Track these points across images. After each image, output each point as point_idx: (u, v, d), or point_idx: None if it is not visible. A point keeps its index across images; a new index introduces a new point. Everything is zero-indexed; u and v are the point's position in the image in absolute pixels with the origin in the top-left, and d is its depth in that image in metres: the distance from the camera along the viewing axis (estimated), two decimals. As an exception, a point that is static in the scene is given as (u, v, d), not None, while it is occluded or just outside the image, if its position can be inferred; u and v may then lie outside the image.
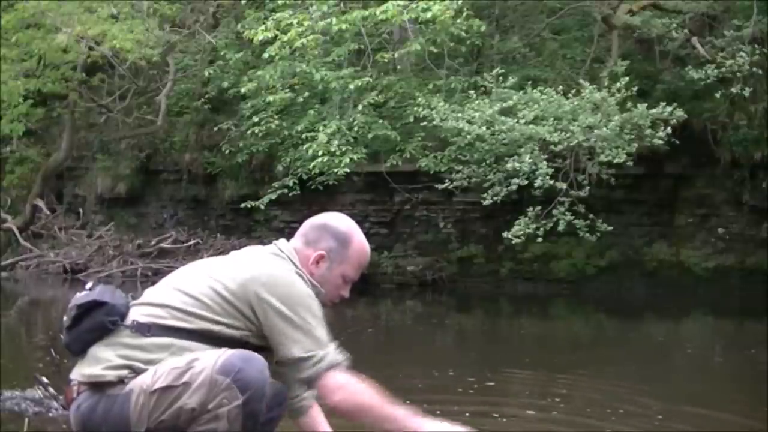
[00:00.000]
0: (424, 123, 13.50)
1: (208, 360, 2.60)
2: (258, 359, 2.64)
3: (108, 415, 2.65)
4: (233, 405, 2.55)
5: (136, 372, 2.66)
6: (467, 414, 5.65)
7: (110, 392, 2.66)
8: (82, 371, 2.73)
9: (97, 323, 2.73)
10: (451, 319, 12.83)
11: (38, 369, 6.19)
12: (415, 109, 13.64)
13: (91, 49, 15.97)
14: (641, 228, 15.58)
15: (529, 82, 13.46)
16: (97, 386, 2.67)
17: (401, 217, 16.41)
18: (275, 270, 2.75)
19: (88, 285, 2.86)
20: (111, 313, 2.73)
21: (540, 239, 12.78)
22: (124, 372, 2.66)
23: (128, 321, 2.72)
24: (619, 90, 12.64)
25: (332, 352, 2.75)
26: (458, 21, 13.38)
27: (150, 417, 2.62)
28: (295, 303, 2.72)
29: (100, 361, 2.69)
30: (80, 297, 2.80)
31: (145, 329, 2.69)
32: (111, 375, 2.66)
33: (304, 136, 13.88)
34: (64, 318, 2.81)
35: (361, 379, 2.76)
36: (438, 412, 5.68)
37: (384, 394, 2.76)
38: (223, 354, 2.60)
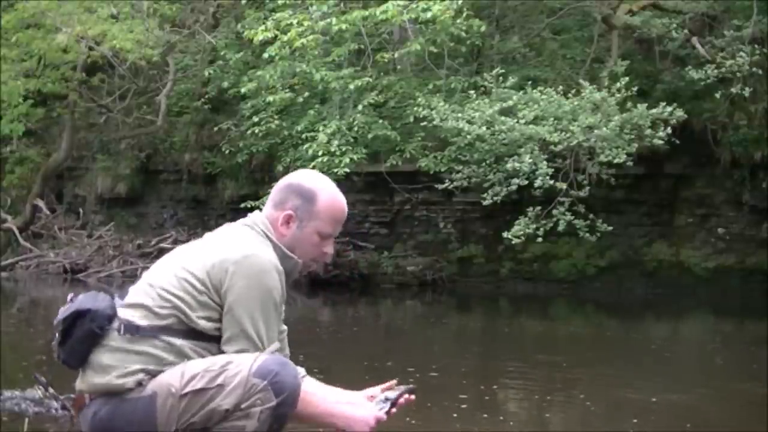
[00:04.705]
0: (424, 123, 13.50)
1: (244, 363, 2.59)
2: (292, 365, 2.67)
3: (132, 419, 2.64)
4: (266, 406, 2.56)
5: (151, 374, 2.65)
6: (467, 413, 5.65)
7: (128, 396, 2.65)
8: (91, 381, 2.70)
9: (86, 332, 2.70)
10: (451, 319, 12.83)
11: (38, 369, 6.19)
12: (415, 109, 13.64)
13: (91, 49, 15.98)
14: (641, 228, 15.58)
15: (529, 82, 13.46)
16: (114, 393, 2.67)
17: (401, 217, 16.41)
18: (246, 251, 2.68)
19: (69, 297, 2.86)
20: (96, 318, 2.70)
21: (540, 239, 12.78)
22: (141, 376, 2.64)
23: (116, 323, 2.70)
24: (619, 90, 12.64)
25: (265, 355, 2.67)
26: (458, 21, 13.37)
27: (180, 419, 2.61)
28: (251, 297, 2.65)
29: (108, 369, 2.67)
30: (63, 311, 2.78)
31: (133, 330, 2.67)
32: (130, 382, 2.65)
33: (304, 136, 13.88)
34: (55, 336, 2.80)
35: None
36: (438, 411, 5.69)
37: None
38: (260, 357, 2.60)
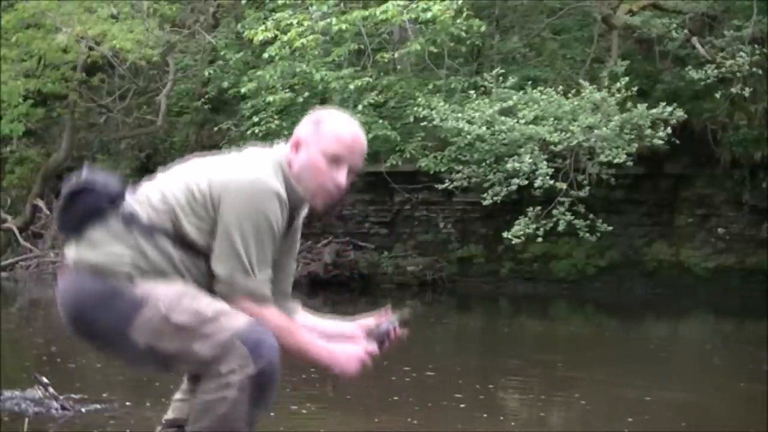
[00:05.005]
0: (424, 123, 13.50)
1: (235, 322, 2.58)
2: (273, 340, 2.64)
3: (110, 309, 2.62)
4: (245, 373, 2.56)
5: (141, 272, 2.62)
6: (467, 413, 5.65)
7: (115, 284, 2.62)
8: (81, 254, 2.67)
9: (87, 205, 2.69)
10: (451, 319, 12.83)
11: (38, 369, 6.19)
12: (415, 109, 13.64)
13: (91, 49, 15.98)
14: (641, 228, 15.58)
15: (529, 82, 13.46)
16: (102, 273, 2.64)
17: (401, 217, 16.41)
18: (252, 174, 2.63)
19: (85, 168, 2.86)
20: (100, 195, 2.69)
21: (540, 239, 12.78)
22: (130, 269, 2.62)
23: (119, 209, 2.68)
24: (619, 90, 12.65)
25: (253, 282, 2.61)
26: (458, 21, 13.38)
27: (154, 336, 2.60)
28: (246, 217, 2.60)
29: (100, 246, 2.65)
30: (73, 180, 2.76)
31: (131, 220, 2.65)
32: (118, 267, 2.62)
33: (304, 136, 13.88)
34: (59, 203, 2.79)
35: (282, 320, 2.66)
36: (438, 411, 5.69)
37: (299, 333, 2.70)
38: (249, 322, 2.59)
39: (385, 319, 2.83)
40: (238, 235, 2.59)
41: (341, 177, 2.75)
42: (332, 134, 2.74)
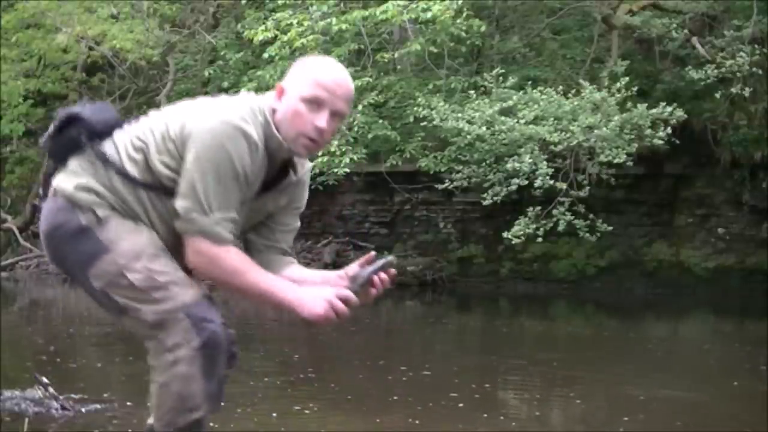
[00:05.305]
0: (424, 123, 13.51)
1: (182, 295, 2.60)
2: (214, 305, 2.65)
3: (76, 245, 2.67)
4: (191, 347, 2.57)
5: (114, 211, 2.64)
6: (467, 413, 5.65)
7: (86, 224, 2.65)
8: (61, 182, 2.71)
9: (71, 137, 2.72)
10: (451, 319, 12.83)
11: (38, 369, 6.19)
12: (415, 109, 13.65)
13: (91, 49, 15.99)
14: (641, 228, 15.57)
15: (529, 82, 13.47)
16: (77, 206, 2.67)
17: (401, 217, 16.41)
18: (225, 116, 2.58)
19: (85, 102, 2.89)
20: (83, 129, 2.71)
21: (540, 239, 12.79)
22: (103, 210, 2.65)
23: (100, 145, 2.70)
24: (619, 90, 12.65)
25: (208, 220, 2.57)
26: (458, 21, 13.39)
27: (110, 287, 2.64)
28: (208, 156, 2.56)
29: (75, 178, 2.69)
30: (67, 109, 2.80)
31: (105, 157, 2.68)
32: (92, 206, 2.65)
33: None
34: (49, 131, 2.81)
35: (238, 261, 2.60)
36: (438, 411, 5.69)
37: (257, 271, 2.62)
38: (196, 297, 2.61)
39: (368, 264, 2.70)
40: (199, 173, 2.56)
41: (321, 120, 2.63)
42: (312, 78, 2.65)
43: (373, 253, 2.79)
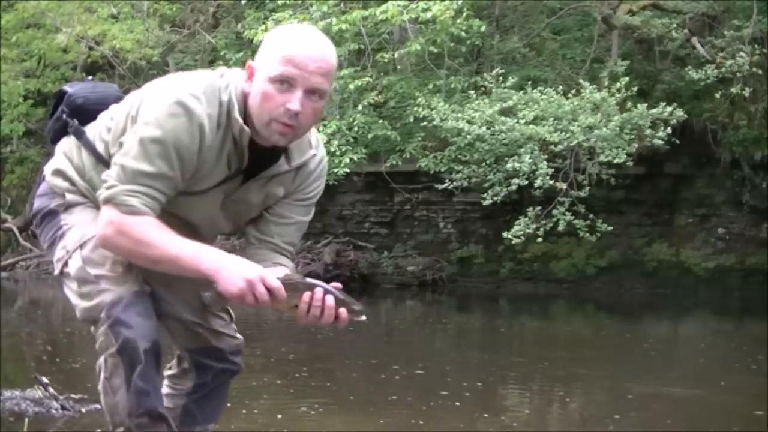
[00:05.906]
0: (424, 123, 13.52)
1: (106, 293, 2.46)
2: (140, 305, 2.46)
3: (45, 228, 2.65)
4: (109, 353, 2.44)
5: (81, 196, 2.60)
6: (467, 413, 5.66)
7: (54, 208, 2.62)
8: (46, 168, 2.70)
9: (57, 115, 2.69)
10: (451, 319, 12.83)
11: (38, 369, 6.19)
12: (415, 109, 13.65)
13: (91, 49, 15.99)
14: (641, 228, 15.57)
15: (529, 82, 13.47)
16: (52, 190, 2.65)
17: (401, 217, 16.41)
18: (176, 92, 2.40)
19: (89, 78, 2.87)
20: (66, 108, 2.67)
21: (540, 239, 12.79)
22: (68, 194, 2.61)
23: (83, 124, 2.64)
24: (619, 90, 12.66)
25: (118, 189, 2.39)
26: (458, 21, 13.39)
27: (61, 275, 2.61)
28: (142, 130, 2.40)
29: (56, 161, 2.66)
30: (58, 91, 2.79)
31: (81, 137, 2.63)
32: (61, 191, 2.61)
33: (303, 136, 13.89)
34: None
35: (147, 231, 2.38)
36: (438, 411, 5.69)
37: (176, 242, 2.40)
38: (116, 296, 2.45)
39: (321, 281, 2.43)
40: (128, 143, 2.42)
41: (294, 103, 2.33)
42: (279, 53, 2.35)
43: (339, 285, 2.50)
